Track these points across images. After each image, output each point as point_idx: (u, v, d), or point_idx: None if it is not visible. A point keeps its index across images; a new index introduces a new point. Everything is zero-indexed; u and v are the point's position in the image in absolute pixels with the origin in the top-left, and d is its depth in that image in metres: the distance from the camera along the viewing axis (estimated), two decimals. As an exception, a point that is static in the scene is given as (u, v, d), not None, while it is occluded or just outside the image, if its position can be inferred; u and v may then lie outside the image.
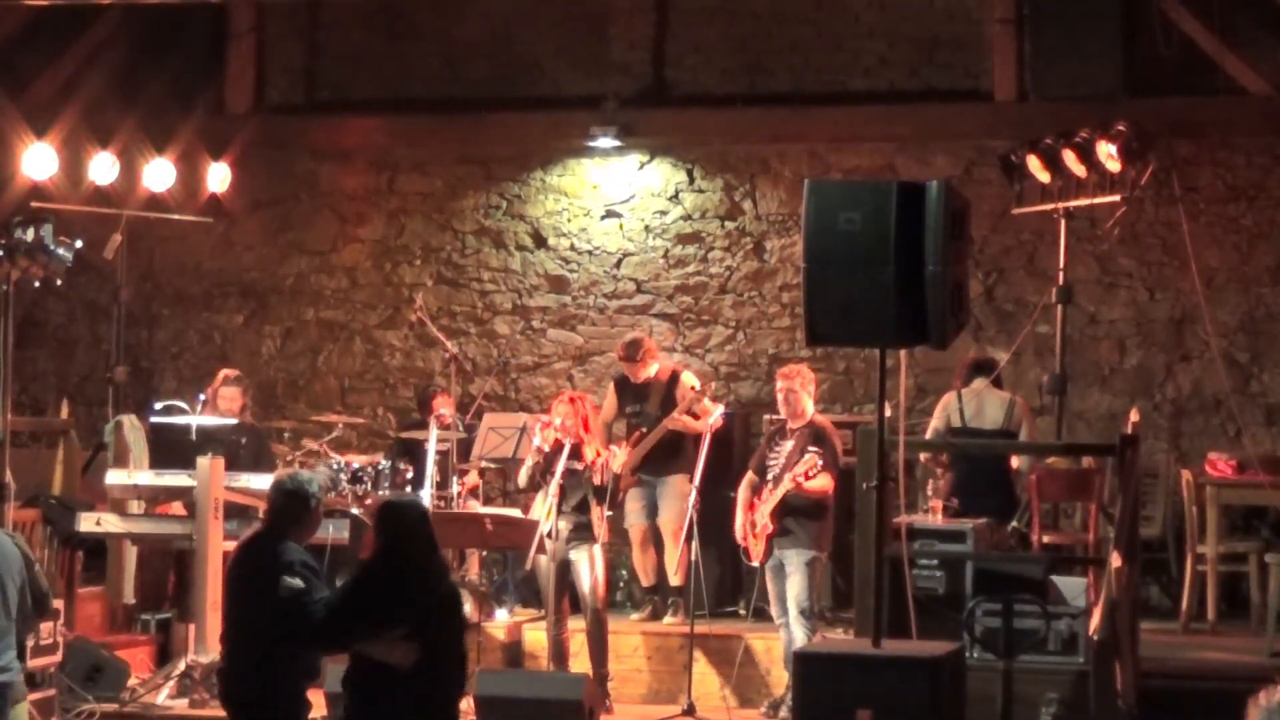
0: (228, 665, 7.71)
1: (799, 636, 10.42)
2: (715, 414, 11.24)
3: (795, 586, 10.57)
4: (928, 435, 11.47)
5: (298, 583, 7.37)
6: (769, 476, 10.72)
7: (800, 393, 10.73)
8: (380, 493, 12.22)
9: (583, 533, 10.90)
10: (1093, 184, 11.44)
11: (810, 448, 10.54)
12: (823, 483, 10.53)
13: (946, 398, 11.52)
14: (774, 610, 10.80)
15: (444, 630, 7.35)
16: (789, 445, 10.71)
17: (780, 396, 10.81)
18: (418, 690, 7.21)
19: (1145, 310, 13.01)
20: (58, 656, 10.16)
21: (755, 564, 10.83)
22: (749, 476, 10.93)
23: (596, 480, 10.87)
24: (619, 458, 11.22)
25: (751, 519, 10.68)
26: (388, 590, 7.27)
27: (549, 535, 10.63)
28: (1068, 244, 11.60)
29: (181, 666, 10.69)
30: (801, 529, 10.60)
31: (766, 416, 11.88)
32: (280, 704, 7.51)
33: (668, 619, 11.92)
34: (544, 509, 10.71)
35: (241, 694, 7.58)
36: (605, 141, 13.57)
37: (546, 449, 10.92)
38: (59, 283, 11.20)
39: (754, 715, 10.96)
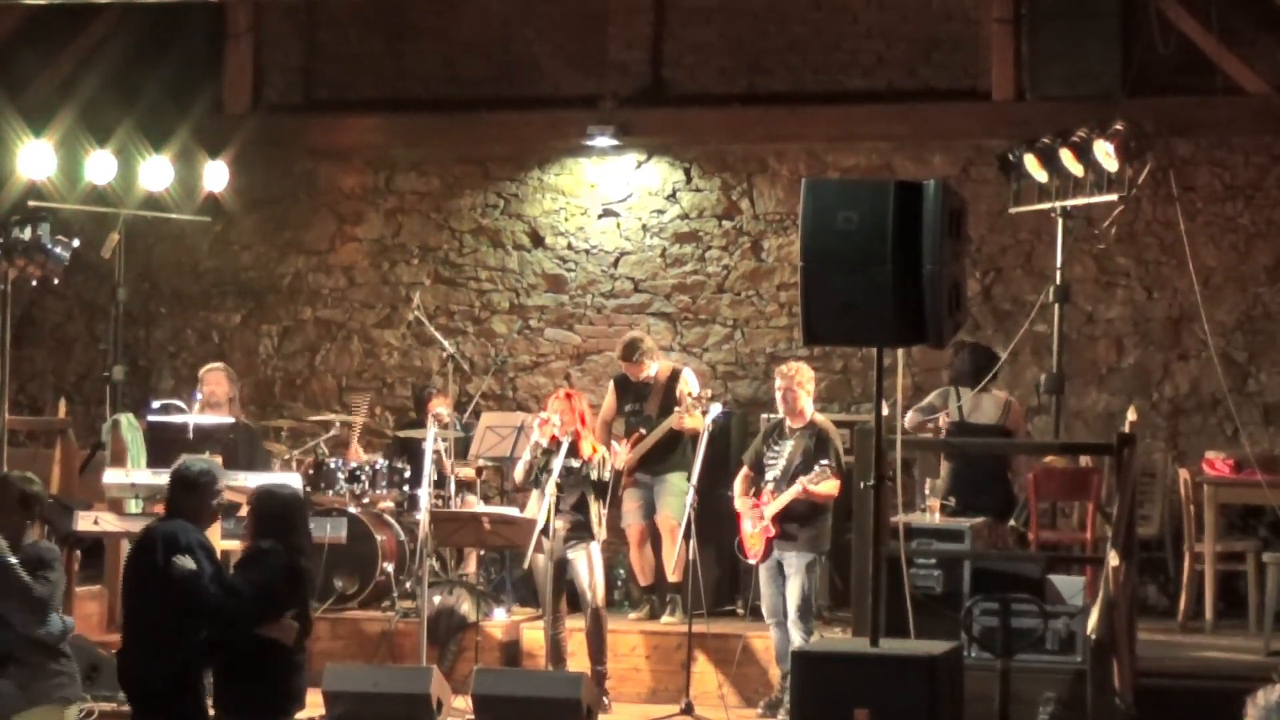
0: (125, 648, 8.00)
1: (796, 640, 10.40)
2: (709, 418, 11.16)
3: (795, 590, 10.54)
4: (923, 404, 11.40)
5: (189, 563, 7.70)
6: (769, 476, 10.71)
7: (799, 391, 10.71)
8: (378, 492, 12.23)
9: (580, 531, 10.90)
10: (1090, 183, 11.43)
11: (822, 462, 10.48)
12: (829, 487, 10.49)
13: (946, 391, 11.51)
14: (765, 609, 10.78)
15: (308, 605, 8.14)
16: (789, 445, 10.69)
17: (779, 395, 10.79)
18: (280, 656, 7.85)
19: (1143, 309, 13.02)
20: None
21: (752, 562, 10.83)
22: (745, 472, 10.90)
23: (595, 476, 10.87)
24: (622, 455, 11.22)
25: (759, 511, 10.61)
26: (286, 574, 7.86)
27: (545, 534, 10.63)
28: (1065, 243, 11.60)
29: (179, 665, 10.67)
30: (802, 531, 10.59)
31: (764, 415, 11.88)
32: (177, 686, 7.80)
33: (666, 618, 11.92)
34: (541, 508, 10.71)
35: (139, 677, 7.88)
36: (603, 141, 13.58)
37: (545, 445, 10.93)
38: (56, 282, 11.23)
39: (752, 714, 10.96)
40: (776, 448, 10.76)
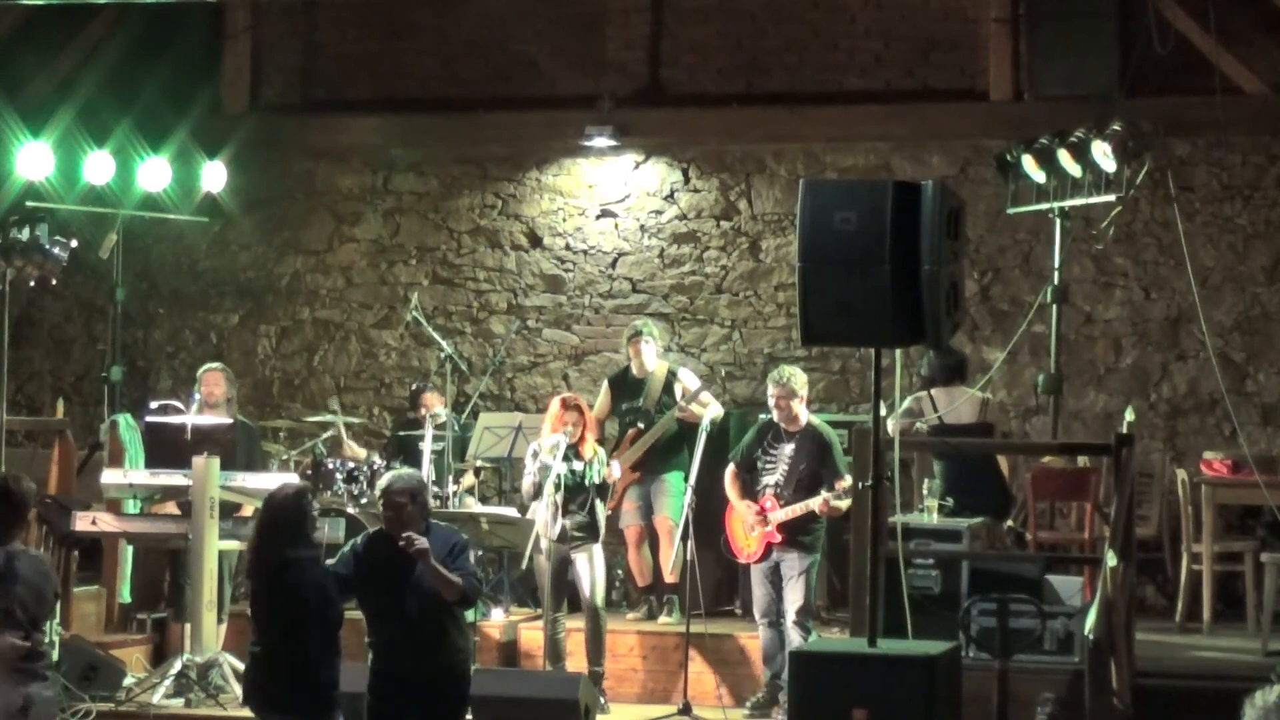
0: None
1: (796, 642, 10.37)
2: (714, 413, 11.16)
3: (796, 594, 10.51)
4: (899, 413, 11.35)
5: None
6: (768, 480, 10.66)
7: (793, 401, 10.67)
8: (377, 492, 12.20)
9: (587, 531, 10.89)
10: (1088, 183, 11.43)
11: (832, 487, 10.43)
12: (847, 505, 10.44)
13: (920, 396, 11.50)
14: (758, 609, 10.77)
15: (271, 611, 8.36)
16: (789, 448, 10.66)
17: (773, 404, 10.72)
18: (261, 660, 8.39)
19: (1141, 310, 13.02)
20: (54, 656, 10.14)
21: (743, 561, 10.79)
22: (733, 470, 10.84)
23: (597, 478, 10.85)
24: (615, 469, 11.15)
25: (763, 517, 10.57)
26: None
27: (549, 537, 10.63)
28: (1063, 243, 11.60)
29: (178, 666, 10.69)
30: (802, 536, 10.58)
31: (762, 416, 11.86)
32: None
33: (663, 618, 11.92)
34: (544, 510, 10.68)
35: None
36: (601, 141, 13.58)
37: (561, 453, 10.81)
38: (55, 282, 11.24)
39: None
40: (774, 450, 10.73)
